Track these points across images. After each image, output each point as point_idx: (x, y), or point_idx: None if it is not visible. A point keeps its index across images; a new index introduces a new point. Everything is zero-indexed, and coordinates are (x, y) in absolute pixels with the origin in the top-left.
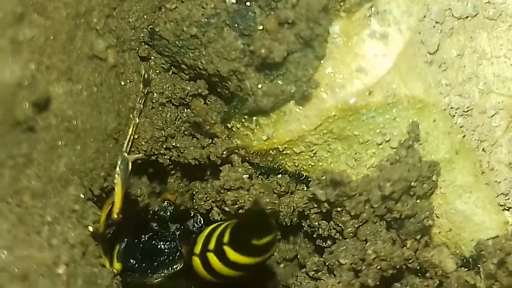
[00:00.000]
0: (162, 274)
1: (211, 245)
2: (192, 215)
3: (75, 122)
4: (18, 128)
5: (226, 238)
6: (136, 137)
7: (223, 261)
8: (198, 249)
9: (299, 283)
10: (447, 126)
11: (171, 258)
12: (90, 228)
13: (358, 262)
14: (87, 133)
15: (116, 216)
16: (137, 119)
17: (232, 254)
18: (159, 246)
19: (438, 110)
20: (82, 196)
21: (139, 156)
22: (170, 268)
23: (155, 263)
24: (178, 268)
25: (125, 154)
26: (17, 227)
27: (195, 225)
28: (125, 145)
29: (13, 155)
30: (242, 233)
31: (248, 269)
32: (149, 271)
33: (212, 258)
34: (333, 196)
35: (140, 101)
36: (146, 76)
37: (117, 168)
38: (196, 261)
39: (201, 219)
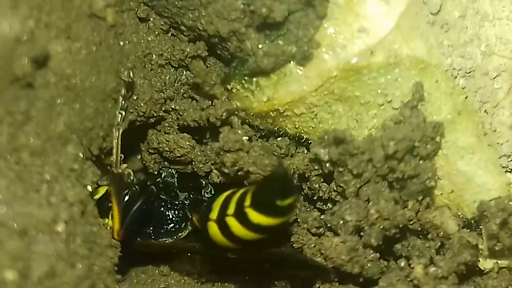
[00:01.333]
0: (166, 242)
1: (230, 210)
2: (203, 185)
3: (74, 81)
4: (16, 84)
5: (248, 202)
6: (135, 98)
7: (245, 224)
8: (214, 214)
9: (301, 240)
10: (449, 87)
11: (177, 226)
12: (89, 188)
13: (363, 220)
14: (86, 92)
15: (117, 237)
16: (120, 131)
17: (254, 216)
18: (166, 214)
19: (440, 71)
20: (81, 155)
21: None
22: (175, 236)
23: (161, 230)
24: (182, 236)
25: (117, 170)
26: (15, 184)
27: (206, 194)
28: (115, 161)
29: (12, 112)
30: (265, 195)
31: (269, 230)
32: (152, 236)
33: (232, 222)
34: (335, 155)
35: (122, 108)
36: (130, 79)
37: (112, 184)
38: (213, 227)
39: (212, 188)
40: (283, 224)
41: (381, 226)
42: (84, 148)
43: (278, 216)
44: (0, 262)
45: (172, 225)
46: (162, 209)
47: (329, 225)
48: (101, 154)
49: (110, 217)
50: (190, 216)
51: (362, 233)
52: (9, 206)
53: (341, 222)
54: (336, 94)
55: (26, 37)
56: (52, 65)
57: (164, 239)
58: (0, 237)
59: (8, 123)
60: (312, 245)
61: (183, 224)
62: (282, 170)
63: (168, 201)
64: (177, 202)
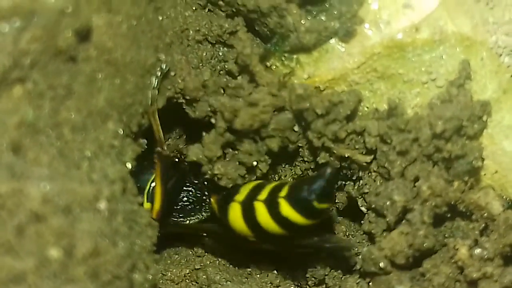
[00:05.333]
0: (180, 221)
1: (262, 196)
2: None
3: (115, 55)
4: (59, 57)
5: (284, 192)
6: (173, 74)
7: (272, 214)
8: (241, 197)
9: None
10: (494, 65)
11: (190, 207)
12: (129, 165)
13: (410, 201)
14: (127, 67)
15: (155, 217)
16: (155, 107)
17: (286, 209)
18: (184, 194)
19: (485, 49)
20: (121, 131)
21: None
22: (190, 218)
23: (177, 208)
24: (197, 220)
25: (163, 150)
26: (57, 160)
27: None
28: (159, 140)
29: (54, 86)
30: (304, 192)
31: (293, 229)
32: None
33: (260, 208)
34: (383, 127)
35: (154, 90)
36: (164, 66)
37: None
38: (236, 208)
39: None
40: (306, 229)
41: (433, 203)
42: (124, 124)
43: (309, 217)
44: (44, 239)
45: (186, 205)
46: (182, 187)
47: (373, 206)
48: (140, 131)
49: (146, 199)
50: (207, 198)
51: (407, 215)
52: (53, 183)
53: (388, 202)
54: (379, 71)
55: (71, 8)
56: (93, 39)
57: (178, 219)
58: (45, 213)
59: (50, 98)
60: None
61: (198, 206)
62: (329, 173)
63: (190, 180)
64: (197, 182)
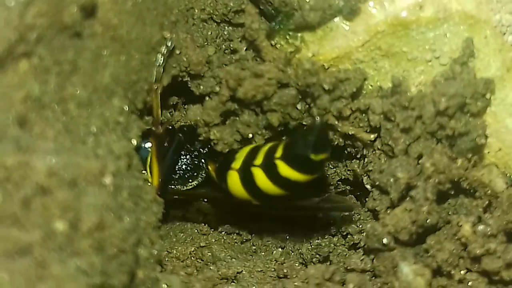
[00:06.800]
0: (175, 189)
1: (258, 160)
2: None
3: (120, 32)
4: (65, 33)
5: (279, 153)
6: (178, 52)
7: (272, 177)
8: (237, 164)
9: None
10: (498, 44)
11: (188, 174)
12: (134, 142)
13: (414, 178)
14: (132, 43)
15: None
16: (159, 88)
17: (284, 169)
18: (181, 161)
19: (489, 27)
20: (126, 108)
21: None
22: (185, 184)
23: (172, 176)
24: (191, 187)
25: (158, 129)
26: (63, 135)
27: None
28: (155, 119)
29: (60, 61)
30: (299, 147)
31: (294, 187)
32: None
33: (258, 173)
34: (387, 105)
35: (160, 68)
36: (170, 44)
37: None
38: (234, 176)
39: None
40: (309, 183)
41: (436, 180)
42: (129, 101)
43: (308, 172)
44: (50, 212)
45: (183, 172)
46: (177, 155)
47: (377, 183)
48: (145, 108)
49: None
50: (204, 166)
51: (410, 192)
52: (59, 156)
53: (392, 179)
54: (383, 49)
55: None
56: (99, 15)
57: (173, 186)
58: (51, 186)
59: (56, 73)
60: None
61: (195, 173)
62: (319, 123)
63: (185, 148)
64: (192, 149)
